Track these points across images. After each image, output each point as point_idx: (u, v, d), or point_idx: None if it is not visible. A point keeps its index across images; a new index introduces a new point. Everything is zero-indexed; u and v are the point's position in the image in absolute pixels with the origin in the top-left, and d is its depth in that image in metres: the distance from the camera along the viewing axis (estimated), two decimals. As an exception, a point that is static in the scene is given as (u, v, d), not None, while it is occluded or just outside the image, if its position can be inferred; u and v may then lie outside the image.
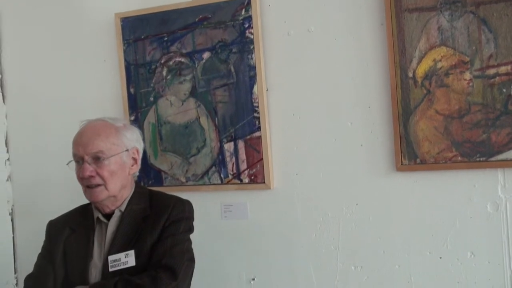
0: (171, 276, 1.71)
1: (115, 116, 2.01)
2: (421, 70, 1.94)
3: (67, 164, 1.85)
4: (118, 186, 1.82)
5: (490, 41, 1.87)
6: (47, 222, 1.95)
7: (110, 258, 1.76)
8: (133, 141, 1.89)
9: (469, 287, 1.97)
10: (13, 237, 2.63)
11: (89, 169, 1.76)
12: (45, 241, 1.94)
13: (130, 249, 1.77)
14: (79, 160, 1.80)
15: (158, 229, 1.80)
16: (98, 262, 1.81)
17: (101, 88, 2.43)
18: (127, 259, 1.74)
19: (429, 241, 2.00)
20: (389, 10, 1.98)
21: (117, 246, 1.79)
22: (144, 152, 2.13)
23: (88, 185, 1.79)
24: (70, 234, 1.87)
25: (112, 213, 1.82)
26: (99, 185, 1.78)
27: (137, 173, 1.95)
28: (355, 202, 2.07)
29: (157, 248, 1.77)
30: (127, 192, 1.88)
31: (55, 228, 1.93)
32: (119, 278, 1.72)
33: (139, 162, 1.92)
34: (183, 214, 1.86)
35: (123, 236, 1.80)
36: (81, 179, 1.79)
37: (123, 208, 1.85)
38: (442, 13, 1.92)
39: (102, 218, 1.82)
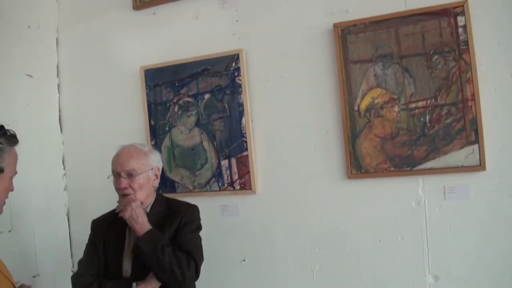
0: (192, 258, 1.96)
1: (142, 142, 2.21)
2: (363, 105, 2.24)
3: (108, 177, 2.06)
4: (144, 195, 2.03)
5: (411, 83, 2.16)
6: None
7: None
8: (156, 162, 2.10)
9: (400, 262, 2.20)
10: (69, 232, 2.82)
11: (124, 182, 1.98)
12: (90, 234, 2.13)
13: None
14: (116, 175, 2.01)
15: (175, 225, 2.01)
16: (129, 250, 2.00)
17: (130, 121, 2.67)
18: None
19: (372, 229, 2.23)
20: (339, 62, 2.25)
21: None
22: (162, 168, 2.39)
23: (123, 194, 2.01)
24: (108, 229, 2.06)
25: None
26: (130, 194, 2.00)
27: (157, 185, 2.16)
28: (318, 202, 2.33)
29: (178, 241, 1.97)
30: (150, 199, 2.09)
31: (97, 224, 2.14)
32: (167, 244, 1.93)
33: (159, 177, 2.13)
34: (193, 215, 2.08)
35: None
36: (118, 189, 2.01)
37: (148, 210, 2.05)
38: (376, 64, 2.21)
39: None
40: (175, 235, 2.01)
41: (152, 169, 2.08)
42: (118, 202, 2.03)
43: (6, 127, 1.54)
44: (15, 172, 1.61)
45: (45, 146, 2.74)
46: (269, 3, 2.43)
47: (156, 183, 2.13)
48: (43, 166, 2.70)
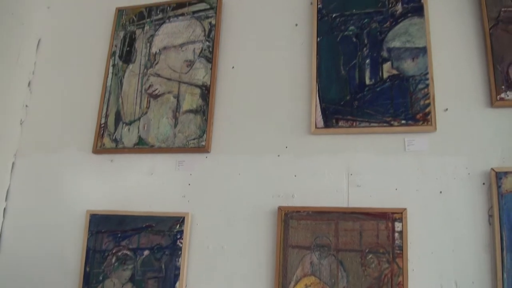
0: None
1: None
2: None
3: None
4: None
5: (343, 277, 2.21)
6: None
7: None
8: None
9: None
10: None
11: None
12: None
13: None
14: None
15: None
16: None
17: (67, 264, 2.63)
18: None
19: None
20: (279, 244, 2.32)
21: None
22: None
23: None
24: None
25: None
26: None
27: None
28: None
29: None
30: None
31: None
32: None
33: None
34: None
35: None
36: None
37: None
38: (314, 252, 2.27)
39: None
40: None
41: None
42: None
43: None
44: None
45: None
46: (222, 176, 2.56)
47: None
48: None
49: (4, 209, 2.87)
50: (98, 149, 2.76)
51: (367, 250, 2.25)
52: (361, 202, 2.32)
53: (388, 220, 2.26)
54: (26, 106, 3.03)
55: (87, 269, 2.60)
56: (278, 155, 2.51)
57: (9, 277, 2.77)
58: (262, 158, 2.53)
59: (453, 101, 2.34)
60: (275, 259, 2.35)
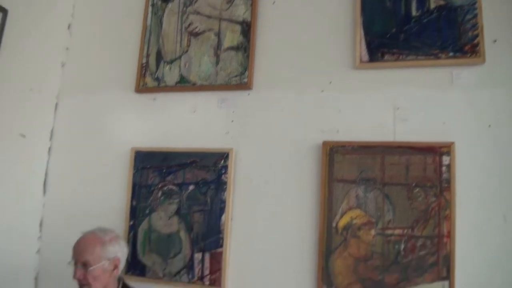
0: None
1: (108, 228, 2.22)
2: (342, 223, 2.29)
3: (68, 263, 2.08)
4: (102, 286, 2.05)
5: (390, 210, 2.22)
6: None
7: None
8: (115, 252, 2.11)
9: None
10: None
11: (79, 273, 2.03)
12: None
13: None
14: (75, 262, 2.06)
15: None
16: None
17: (113, 197, 2.70)
18: None
19: None
20: (324, 178, 2.33)
21: None
22: (136, 250, 2.51)
23: (79, 285, 2.05)
24: None
25: None
26: (86, 284, 2.04)
27: (120, 274, 2.17)
28: None
29: None
30: None
31: None
32: None
33: (120, 267, 2.13)
34: None
35: None
36: (74, 279, 2.04)
37: None
38: (359, 186, 2.29)
39: None
40: None
41: (109, 259, 2.10)
42: None
43: None
44: None
45: (25, 206, 2.76)
46: (265, 111, 2.55)
47: (116, 273, 2.13)
48: (17, 225, 2.70)
49: (49, 148, 2.92)
50: (141, 88, 2.77)
51: (414, 184, 2.24)
52: (408, 136, 2.30)
53: (436, 154, 2.23)
54: (67, 48, 3.04)
55: (134, 203, 2.66)
56: (322, 91, 2.48)
57: (56, 216, 2.84)
58: (305, 94, 2.51)
59: (502, 32, 2.27)
60: (320, 193, 2.36)
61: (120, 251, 2.15)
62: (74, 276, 2.03)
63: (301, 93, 2.52)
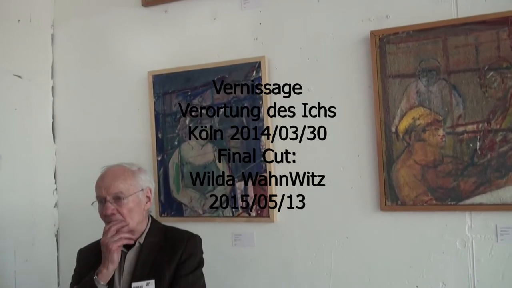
0: None
1: (132, 162, 2.05)
2: (402, 126, 2.08)
3: (92, 204, 1.91)
4: (136, 221, 1.90)
5: (459, 103, 1.99)
6: (85, 243, 2.03)
7: (133, 285, 1.83)
8: (146, 182, 1.98)
9: (441, 312, 2.01)
10: (57, 256, 2.68)
11: (111, 207, 1.85)
12: (76, 266, 2.01)
13: (149, 277, 1.84)
14: (102, 200, 1.88)
15: (175, 261, 1.87)
16: (120, 286, 1.88)
17: (134, 132, 2.55)
18: (148, 287, 1.83)
19: (408, 271, 2.06)
20: (376, 76, 2.10)
21: (137, 274, 1.86)
22: (168, 188, 2.31)
23: (110, 221, 1.87)
24: (96, 261, 1.89)
25: (131, 245, 1.89)
26: (117, 221, 1.86)
27: (151, 210, 2.04)
28: (346, 235, 2.17)
29: (180, 284, 1.84)
30: (143, 226, 1.95)
31: (83, 255, 2.01)
32: None
33: (152, 199, 2.00)
34: (195, 249, 1.93)
35: (143, 265, 1.87)
36: (105, 216, 1.87)
37: (141, 240, 1.92)
38: (420, 79, 2.05)
39: (122, 248, 1.88)
40: (175, 274, 1.87)
41: (142, 190, 1.96)
42: (105, 231, 1.85)
43: None
44: None
45: (35, 156, 2.61)
46: (298, 5, 2.27)
47: (149, 206, 2.00)
48: (31, 179, 2.56)
49: (52, 87, 2.74)
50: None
51: (486, 68, 1.96)
52: (473, 9, 1.98)
53: (510, 25, 1.90)
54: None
55: (159, 135, 2.48)
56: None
57: (71, 164, 2.71)
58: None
59: None
60: (372, 94, 2.13)
61: (150, 182, 2.03)
62: (105, 212, 1.85)
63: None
